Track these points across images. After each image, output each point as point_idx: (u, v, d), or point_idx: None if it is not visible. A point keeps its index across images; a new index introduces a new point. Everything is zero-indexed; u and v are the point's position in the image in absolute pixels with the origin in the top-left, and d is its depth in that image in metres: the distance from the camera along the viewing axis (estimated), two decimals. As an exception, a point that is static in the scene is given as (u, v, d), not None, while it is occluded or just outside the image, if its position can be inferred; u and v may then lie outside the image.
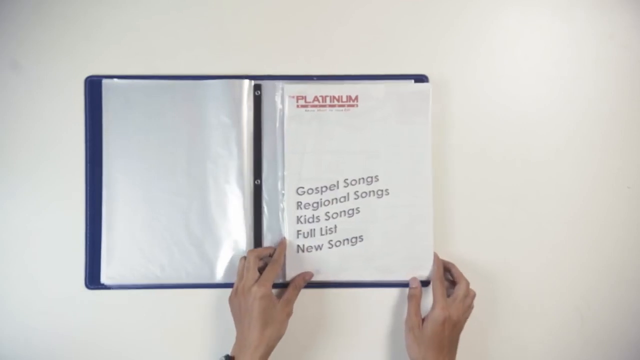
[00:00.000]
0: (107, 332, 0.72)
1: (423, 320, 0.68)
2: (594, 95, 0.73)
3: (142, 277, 0.71)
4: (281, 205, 0.72)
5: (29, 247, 0.72)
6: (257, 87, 0.72)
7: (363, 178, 0.71)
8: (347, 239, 0.71)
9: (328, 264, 0.71)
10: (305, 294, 0.71)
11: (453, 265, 0.71)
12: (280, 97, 0.72)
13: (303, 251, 0.71)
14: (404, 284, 0.72)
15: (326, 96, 0.71)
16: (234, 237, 0.71)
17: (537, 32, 0.74)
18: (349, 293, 0.72)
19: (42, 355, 0.72)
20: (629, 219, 0.73)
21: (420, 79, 0.73)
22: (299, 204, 0.71)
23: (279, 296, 0.68)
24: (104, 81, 0.72)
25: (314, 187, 0.71)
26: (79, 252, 0.71)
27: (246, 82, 0.72)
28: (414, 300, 0.69)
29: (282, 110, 0.72)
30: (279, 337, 0.65)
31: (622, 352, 0.72)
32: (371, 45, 0.73)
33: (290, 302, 0.68)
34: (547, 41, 0.74)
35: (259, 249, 0.70)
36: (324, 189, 0.71)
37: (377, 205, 0.71)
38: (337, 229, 0.71)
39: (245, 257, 0.69)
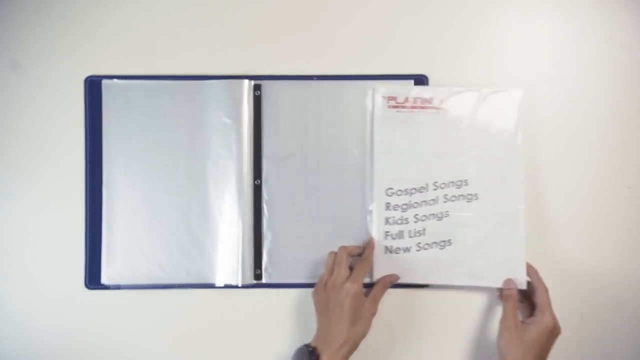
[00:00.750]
0: (107, 332, 0.72)
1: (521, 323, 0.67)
2: (594, 95, 0.73)
3: (143, 277, 0.71)
4: (369, 207, 0.71)
5: (29, 247, 0.72)
6: (257, 87, 0.72)
7: (452, 181, 0.71)
8: (436, 242, 0.71)
9: (416, 266, 0.71)
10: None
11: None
12: (371, 98, 0.72)
13: (391, 252, 0.71)
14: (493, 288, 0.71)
15: (417, 98, 0.71)
16: (234, 237, 0.71)
17: (537, 32, 0.74)
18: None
19: (42, 355, 0.72)
20: (629, 219, 0.73)
21: (420, 79, 0.73)
22: (388, 205, 0.71)
23: (365, 295, 0.68)
24: (104, 81, 0.72)
25: (403, 189, 0.71)
26: (79, 252, 0.71)
27: (246, 82, 0.72)
28: (511, 300, 0.68)
29: (372, 110, 0.72)
30: (364, 335, 0.65)
31: (622, 352, 0.72)
32: (371, 46, 0.73)
33: (376, 302, 0.68)
34: (547, 41, 0.74)
35: (349, 246, 0.70)
36: (413, 190, 0.71)
37: (466, 210, 0.71)
38: (426, 231, 0.71)
39: (335, 253, 0.69)
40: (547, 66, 0.73)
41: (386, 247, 0.71)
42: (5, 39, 0.72)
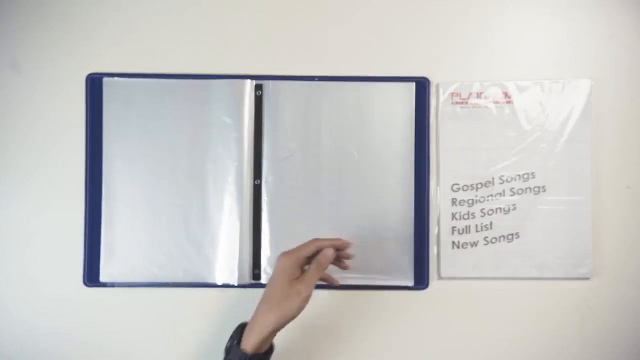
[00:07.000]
0: (106, 330, 0.72)
1: None
2: (594, 95, 0.73)
3: (141, 276, 0.71)
4: (438, 203, 0.72)
5: (29, 247, 0.72)
6: (258, 88, 0.72)
7: (519, 175, 0.72)
8: (504, 236, 0.71)
9: (484, 260, 0.71)
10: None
11: None
12: (436, 94, 0.72)
13: (458, 248, 0.71)
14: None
15: (481, 93, 0.72)
16: (234, 237, 0.71)
17: (537, 32, 0.74)
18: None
19: (42, 354, 0.72)
20: (629, 219, 0.73)
21: (422, 81, 0.73)
22: (454, 200, 0.72)
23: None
24: (105, 79, 0.72)
25: (469, 184, 0.71)
26: (78, 251, 0.71)
27: (248, 82, 0.72)
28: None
29: (437, 107, 0.72)
30: (291, 318, 0.59)
31: (622, 352, 0.72)
32: (372, 47, 0.73)
33: (309, 284, 0.60)
34: (547, 41, 0.74)
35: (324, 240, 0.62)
36: (479, 185, 0.72)
37: (533, 203, 0.71)
38: (493, 225, 0.72)
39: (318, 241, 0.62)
40: (547, 66, 0.74)
41: (453, 243, 0.71)
42: (5, 39, 0.72)
